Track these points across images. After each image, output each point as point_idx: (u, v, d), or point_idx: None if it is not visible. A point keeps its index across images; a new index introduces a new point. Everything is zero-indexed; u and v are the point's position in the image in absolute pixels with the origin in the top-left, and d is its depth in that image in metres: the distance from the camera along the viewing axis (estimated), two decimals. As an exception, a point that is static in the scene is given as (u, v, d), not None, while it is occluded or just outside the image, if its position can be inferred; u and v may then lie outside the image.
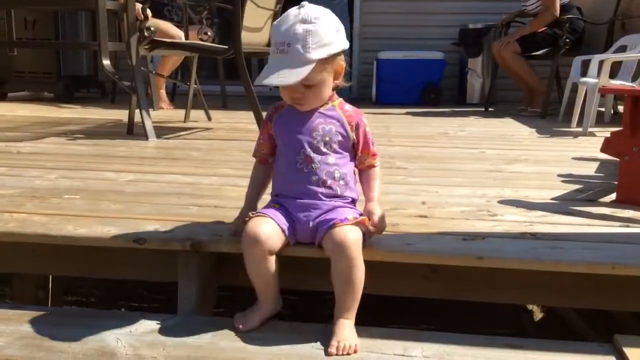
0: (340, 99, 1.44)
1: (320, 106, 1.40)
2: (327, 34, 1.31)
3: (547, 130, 3.85)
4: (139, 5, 3.42)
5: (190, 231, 1.52)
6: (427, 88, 5.73)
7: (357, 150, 1.43)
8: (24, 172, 2.22)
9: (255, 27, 3.41)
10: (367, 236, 1.40)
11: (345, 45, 1.36)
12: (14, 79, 5.53)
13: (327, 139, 1.38)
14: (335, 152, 1.39)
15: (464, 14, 6.04)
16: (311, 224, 1.38)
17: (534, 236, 1.55)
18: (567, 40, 4.63)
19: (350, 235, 1.30)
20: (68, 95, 5.43)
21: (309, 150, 1.37)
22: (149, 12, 4.15)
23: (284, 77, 1.29)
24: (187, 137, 3.33)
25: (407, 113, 4.96)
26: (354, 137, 1.41)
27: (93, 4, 3.26)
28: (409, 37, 6.19)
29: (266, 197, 1.48)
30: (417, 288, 1.53)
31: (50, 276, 1.92)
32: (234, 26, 3.13)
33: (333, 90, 1.41)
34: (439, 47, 5.90)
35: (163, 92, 5.01)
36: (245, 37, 3.21)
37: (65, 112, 4.56)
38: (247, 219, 1.38)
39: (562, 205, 1.89)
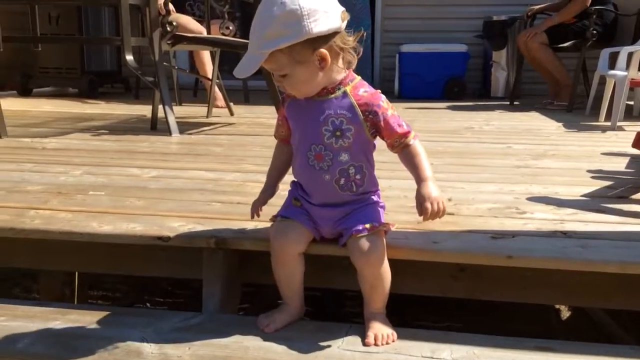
0: (358, 79, 1.30)
1: (330, 91, 1.26)
2: (288, 21, 1.15)
3: (575, 125, 3.77)
4: (161, 0, 3.42)
5: (214, 228, 1.51)
6: (450, 81, 5.66)
7: (383, 136, 1.30)
8: (49, 168, 2.23)
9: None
10: (388, 231, 1.35)
11: (319, 31, 1.17)
12: (38, 74, 5.58)
13: (338, 133, 1.26)
14: (349, 147, 1.28)
15: (487, 6, 5.94)
16: (331, 226, 1.36)
17: (565, 235, 1.51)
18: (595, 32, 4.52)
19: (373, 246, 1.27)
20: (92, 90, 5.47)
21: (319, 147, 1.28)
22: (171, 6, 4.16)
23: (240, 69, 1.22)
24: (209, 133, 3.33)
25: (431, 107, 4.91)
26: (371, 125, 1.27)
27: (116, 0, 3.27)
28: (432, 29, 6.11)
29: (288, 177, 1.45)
30: (445, 287, 1.51)
31: (77, 272, 1.93)
32: (257, 20, 3.11)
33: (349, 69, 1.27)
34: (462, 40, 5.81)
35: (215, 90, 4.47)
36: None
37: (89, 108, 4.60)
38: (271, 221, 1.36)
39: (592, 203, 1.84)
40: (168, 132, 3.10)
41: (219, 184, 2.03)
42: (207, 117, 3.98)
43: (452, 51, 5.67)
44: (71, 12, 5.42)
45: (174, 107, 4.64)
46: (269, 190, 1.44)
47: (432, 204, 1.26)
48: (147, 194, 1.86)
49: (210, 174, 2.18)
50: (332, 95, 1.27)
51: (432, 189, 1.28)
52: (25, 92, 5.51)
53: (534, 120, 4.09)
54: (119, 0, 3.20)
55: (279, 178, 1.45)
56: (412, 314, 2.25)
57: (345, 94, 1.27)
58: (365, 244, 1.27)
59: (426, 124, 3.83)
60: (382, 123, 1.27)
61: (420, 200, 1.27)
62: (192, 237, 1.47)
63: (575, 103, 4.61)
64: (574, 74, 4.70)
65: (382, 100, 1.29)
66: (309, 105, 1.28)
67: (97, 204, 1.73)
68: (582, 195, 1.93)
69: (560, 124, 3.82)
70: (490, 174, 2.25)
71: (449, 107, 4.91)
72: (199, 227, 1.52)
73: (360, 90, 1.28)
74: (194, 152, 2.69)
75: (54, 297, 1.91)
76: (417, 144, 1.32)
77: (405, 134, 1.30)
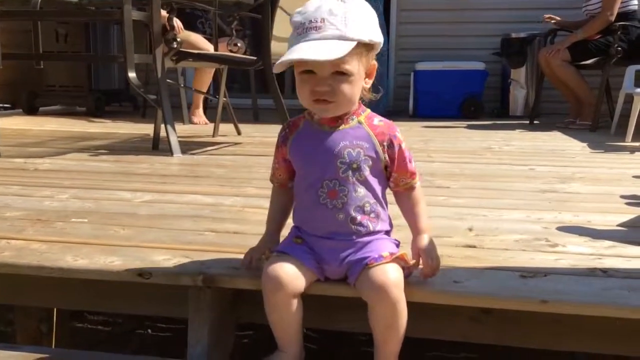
0: (368, 111, 1.21)
1: (344, 122, 1.16)
2: (367, 18, 1.12)
3: (601, 145, 3.56)
4: (164, 15, 3.29)
5: (203, 263, 1.33)
6: (467, 100, 5.47)
7: (392, 170, 1.20)
8: (35, 191, 2.07)
9: (286, 37, 3.24)
10: (410, 271, 1.19)
11: (382, 41, 1.15)
12: (45, 92, 5.48)
13: (354, 166, 1.15)
14: (365, 181, 1.16)
15: (505, 23, 5.76)
16: (340, 264, 1.18)
17: (606, 273, 1.31)
18: (620, 48, 4.32)
19: (390, 275, 1.11)
20: (99, 109, 5.35)
21: (333, 182, 1.15)
22: (178, 23, 4.05)
23: (318, 51, 1.05)
24: (213, 153, 3.16)
25: (447, 126, 4.72)
26: (387, 158, 1.18)
27: (119, 15, 3.15)
28: (448, 47, 5.95)
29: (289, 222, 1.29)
30: (467, 332, 1.31)
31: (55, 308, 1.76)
32: (263, 36, 2.97)
33: (360, 100, 1.18)
34: (479, 58, 5.64)
35: (200, 108, 4.85)
36: (276, 47, 3.04)
37: (93, 127, 4.47)
38: (265, 257, 1.19)
39: (631, 233, 1.64)
40: (170, 152, 2.95)
41: (216, 210, 1.85)
42: (213, 136, 3.82)
43: (470, 69, 5.49)
44: (79, 29, 5.34)
45: (182, 126, 4.55)
46: (270, 238, 1.27)
47: (432, 259, 1.19)
48: (134, 221, 1.69)
49: (208, 199, 2.01)
50: (347, 126, 1.17)
51: (433, 245, 1.21)
52: (31, 110, 5.41)
53: (557, 140, 3.89)
54: (121, 17, 3.08)
55: (280, 225, 1.29)
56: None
57: (360, 123, 1.18)
58: (382, 273, 1.11)
59: (442, 144, 3.64)
60: (396, 155, 1.18)
61: (422, 256, 1.20)
62: (177, 273, 1.29)
63: (598, 122, 4.40)
64: (598, 92, 4.49)
65: (398, 131, 1.20)
66: (321, 137, 1.17)
67: (77, 233, 1.55)
68: (618, 225, 1.73)
69: (584, 144, 3.61)
70: (514, 200, 2.05)
71: (466, 127, 4.72)
72: (186, 261, 1.34)
73: (375, 120, 1.19)
74: (194, 173, 2.52)
75: (30, 335, 1.74)
76: (420, 189, 1.24)
77: (414, 174, 1.22)
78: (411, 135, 3.84)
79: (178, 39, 3.11)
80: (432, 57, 5.70)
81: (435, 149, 3.38)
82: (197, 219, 1.72)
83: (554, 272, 1.31)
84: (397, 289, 1.11)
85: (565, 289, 1.22)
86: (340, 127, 1.16)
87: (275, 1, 2.96)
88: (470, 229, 1.66)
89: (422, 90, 5.52)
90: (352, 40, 1.08)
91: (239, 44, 3.79)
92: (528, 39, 5.40)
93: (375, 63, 1.17)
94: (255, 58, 3.07)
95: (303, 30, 1.09)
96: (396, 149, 1.18)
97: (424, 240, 1.21)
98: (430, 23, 6.07)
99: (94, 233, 1.56)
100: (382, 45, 1.16)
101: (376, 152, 1.16)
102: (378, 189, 1.19)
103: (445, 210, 1.87)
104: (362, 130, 1.17)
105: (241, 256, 1.34)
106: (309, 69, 1.10)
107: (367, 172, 1.16)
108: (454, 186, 2.29)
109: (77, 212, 1.78)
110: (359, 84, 1.14)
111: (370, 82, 1.18)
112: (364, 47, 1.11)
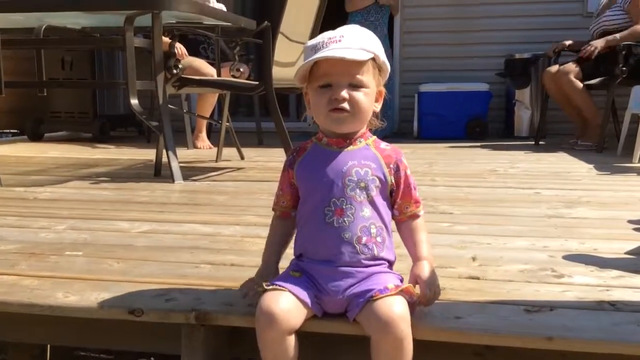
0: (374, 137, 1.23)
1: (352, 143, 1.18)
2: (379, 44, 1.18)
3: (607, 167, 3.51)
4: (167, 41, 3.30)
5: (197, 299, 1.29)
6: (472, 121, 5.45)
7: (396, 197, 1.19)
8: (33, 222, 2.04)
9: (287, 62, 3.23)
10: (414, 306, 1.15)
11: (389, 69, 1.21)
12: (50, 119, 5.50)
13: (362, 185, 1.15)
14: (372, 201, 1.16)
15: (509, 44, 5.75)
16: (342, 295, 1.14)
17: (614, 306, 1.26)
18: (625, 68, 4.28)
19: (397, 309, 1.07)
20: (104, 134, 5.36)
21: (340, 200, 1.14)
22: (182, 49, 4.06)
23: (343, 52, 1.11)
24: (215, 179, 3.14)
25: (451, 148, 4.68)
26: (393, 181, 1.18)
27: (121, 42, 3.16)
28: (452, 68, 5.94)
29: (289, 251, 1.26)
30: (470, 368, 1.26)
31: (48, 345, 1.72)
32: (264, 61, 2.96)
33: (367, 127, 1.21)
34: (483, 79, 5.62)
35: (204, 132, 4.87)
36: (278, 72, 3.04)
37: (97, 153, 4.47)
38: (260, 288, 1.15)
39: (639, 262, 1.59)
40: (171, 178, 2.92)
41: (215, 240, 1.82)
42: (216, 161, 3.80)
43: (474, 90, 5.48)
44: (85, 57, 5.36)
45: (185, 151, 4.54)
46: (267, 270, 1.24)
47: (431, 290, 1.15)
48: (130, 253, 1.66)
49: (206, 228, 1.97)
50: (355, 147, 1.19)
51: (434, 275, 1.17)
52: (35, 137, 5.42)
53: (563, 162, 3.84)
54: (124, 43, 3.09)
55: (279, 255, 1.26)
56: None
57: (367, 146, 1.20)
58: (388, 306, 1.07)
59: (446, 166, 3.60)
60: (402, 180, 1.19)
61: (420, 284, 1.16)
62: (170, 310, 1.25)
63: (604, 143, 4.35)
64: (604, 112, 4.45)
65: (404, 157, 1.22)
66: (329, 157, 1.18)
67: (70, 268, 1.52)
68: (626, 253, 1.68)
69: (591, 166, 3.56)
70: (519, 226, 2.00)
71: (470, 148, 4.69)
72: (180, 297, 1.30)
73: (382, 144, 1.21)
74: (195, 201, 2.49)
75: (24, 372, 1.70)
76: (423, 219, 1.23)
77: (418, 203, 1.22)
78: (415, 158, 3.81)
79: (180, 66, 3.11)
80: (436, 79, 5.70)
81: (439, 172, 3.35)
82: (194, 251, 1.69)
83: (560, 305, 1.26)
84: (404, 323, 1.06)
85: (572, 325, 1.17)
86: (349, 148, 1.18)
87: (276, 27, 2.96)
88: (474, 259, 1.62)
89: (426, 112, 5.51)
90: (371, 52, 1.13)
91: (241, 69, 3.79)
92: (532, 59, 5.39)
93: (383, 89, 1.21)
94: (257, 83, 3.05)
95: (322, 45, 1.13)
96: (402, 174, 1.19)
97: (424, 267, 1.17)
98: (434, 45, 6.07)
99: (88, 267, 1.53)
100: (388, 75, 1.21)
101: (383, 174, 1.17)
102: (384, 213, 1.18)
103: (448, 238, 1.83)
104: (370, 152, 1.18)
105: (238, 289, 1.31)
106: (327, 82, 1.13)
107: (374, 192, 1.16)
108: (457, 212, 2.24)
109: (72, 244, 1.75)
110: (372, 101, 1.17)
111: (379, 106, 1.20)
112: (376, 67, 1.16)
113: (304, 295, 1.12)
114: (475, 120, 5.44)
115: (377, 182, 1.16)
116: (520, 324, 1.17)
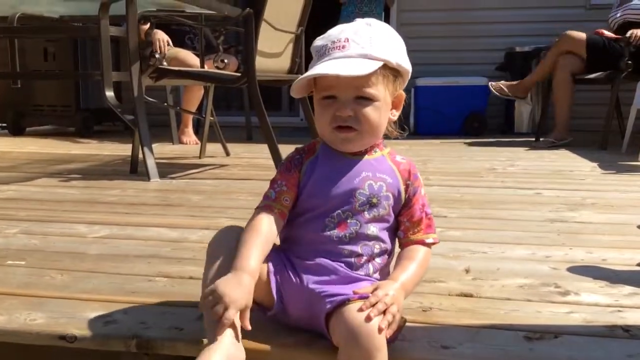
0: (390, 148, 1.10)
1: (367, 152, 1.05)
2: (395, 43, 1.04)
3: (612, 165, 3.31)
4: (144, 29, 3.10)
5: (142, 321, 1.10)
6: (470, 116, 5.25)
7: (405, 217, 1.06)
8: (-16, 225, 1.86)
9: (273, 52, 3.04)
10: (396, 332, 0.96)
11: (410, 69, 1.07)
12: (31, 112, 5.28)
13: (374, 200, 1.03)
14: (381, 219, 1.03)
15: (509, 37, 5.56)
16: (310, 286, 0.99)
17: (628, 332, 1.08)
18: (630, 62, 4.09)
19: (373, 317, 0.89)
20: (87, 129, 5.16)
21: (346, 214, 1.02)
22: (164, 39, 3.85)
23: (340, 68, 0.97)
24: (195, 176, 2.95)
25: (448, 144, 4.50)
26: (405, 199, 1.06)
27: (96, 32, 2.97)
28: (450, 62, 5.74)
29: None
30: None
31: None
32: (247, 51, 2.76)
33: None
34: (482, 73, 5.42)
35: (190, 127, 4.67)
36: (262, 63, 2.84)
37: (76, 148, 4.27)
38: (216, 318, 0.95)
39: (655, 275, 1.40)
40: (147, 176, 2.74)
41: (178, 247, 1.63)
42: (199, 157, 3.61)
43: (472, 84, 5.27)
44: (67, 47, 5.15)
45: (170, 146, 4.35)
46: (246, 272, 0.96)
47: (381, 300, 0.91)
48: (78, 263, 1.47)
49: (173, 233, 1.79)
50: (370, 157, 1.06)
51: (401, 294, 0.97)
52: (17, 131, 5.22)
53: (565, 160, 3.65)
54: (99, 33, 2.90)
55: (259, 261, 0.99)
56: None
57: (383, 157, 1.08)
58: (361, 312, 0.89)
59: (442, 164, 3.41)
60: (415, 198, 1.06)
61: (378, 289, 0.94)
62: (108, 335, 1.06)
63: (607, 139, 4.16)
64: (608, 108, 4.26)
65: (418, 172, 1.10)
66: (341, 165, 1.05)
67: (6, 281, 1.33)
68: (638, 265, 1.49)
69: (595, 164, 3.37)
70: (518, 232, 1.82)
71: (468, 144, 4.50)
72: (123, 319, 1.12)
73: (397, 156, 1.10)
74: (167, 201, 2.30)
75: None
76: (430, 252, 1.08)
77: (430, 227, 1.08)
78: (409, 155, 3.55)
79: (157, 55, 2.92)
80: (433, 73, 5.49)
81: (434, 170, 3.16)
82: (152, 260, 1.50)
83: (565, 331, 1.08)
84: (378, 335, 0.88)
85: (579, 356, 0.98)
86: (363, 157, 1.06)
87: (260, 14, 2.76)
88: (467, 271, 1.43)
89: (422, 106, 5.31)
90: (377, 59, 0.99)
91: (226, 60, 3.60)
92: (533, 52, 5.20)
93: (403, 93, 1.08)
94: (239, 75, 2.86)
95: (326, 51, 1.01)
96: (417, 190, 1.07)
97: (394, 286, 0.96)
98: (431, 37, 5.86)
99: (27, 280, 1.34)
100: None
101: (399, 191, 1.05)
102: (390, 232, 1.06)
103: (440, 245, 1.59)
104: (386, 164, 1.07)
105: (191, 309, 1.13)
106: (331, 94, 1.01)
107: (385, 211, 1.03)
108: (451, 215, 2.06)
109: (18, 252, 1.56)
110: (385, 113, 1.04)
111: (397, 114, 1.08)
112: (390, 71, 1.03)
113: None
114: (473, 116, 5.25)
115: (391, 200, 1.04)
116: (518, 355, 0.99)
